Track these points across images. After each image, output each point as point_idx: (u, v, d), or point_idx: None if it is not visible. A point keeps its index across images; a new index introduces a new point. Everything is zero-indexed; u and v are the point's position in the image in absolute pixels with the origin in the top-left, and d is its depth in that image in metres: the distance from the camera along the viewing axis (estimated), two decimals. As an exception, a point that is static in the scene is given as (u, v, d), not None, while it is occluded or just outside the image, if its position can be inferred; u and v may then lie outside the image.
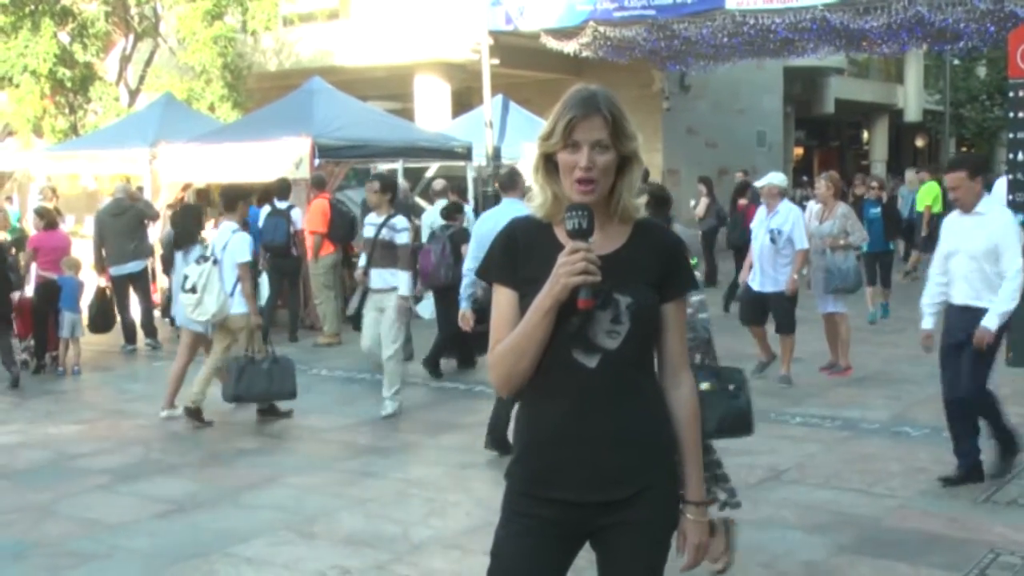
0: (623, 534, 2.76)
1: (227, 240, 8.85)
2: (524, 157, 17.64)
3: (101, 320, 13.01)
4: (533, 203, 2.85)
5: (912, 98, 39.79)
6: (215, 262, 8.72)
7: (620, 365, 2.72)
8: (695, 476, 2.83)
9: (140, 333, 13.17)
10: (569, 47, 20.58)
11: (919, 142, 43.61)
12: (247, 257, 8.84)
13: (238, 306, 8.82)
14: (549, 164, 2.80)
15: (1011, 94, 10.65)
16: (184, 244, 10.13)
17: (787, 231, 9.91)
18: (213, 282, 8.62)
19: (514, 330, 2.73)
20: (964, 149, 46.10)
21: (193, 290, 8.62)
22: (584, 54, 20.83)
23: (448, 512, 6.55)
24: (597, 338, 2.71)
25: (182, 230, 10.31)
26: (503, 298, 2.81)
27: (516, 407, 2.89)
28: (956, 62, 35.44)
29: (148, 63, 21.62)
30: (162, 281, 14.92)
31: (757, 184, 10.92)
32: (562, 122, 2.71)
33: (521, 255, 2.81)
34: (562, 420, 2.73)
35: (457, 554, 5.75)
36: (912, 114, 40.01)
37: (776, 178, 10.42)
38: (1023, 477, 6.91)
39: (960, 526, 6.01)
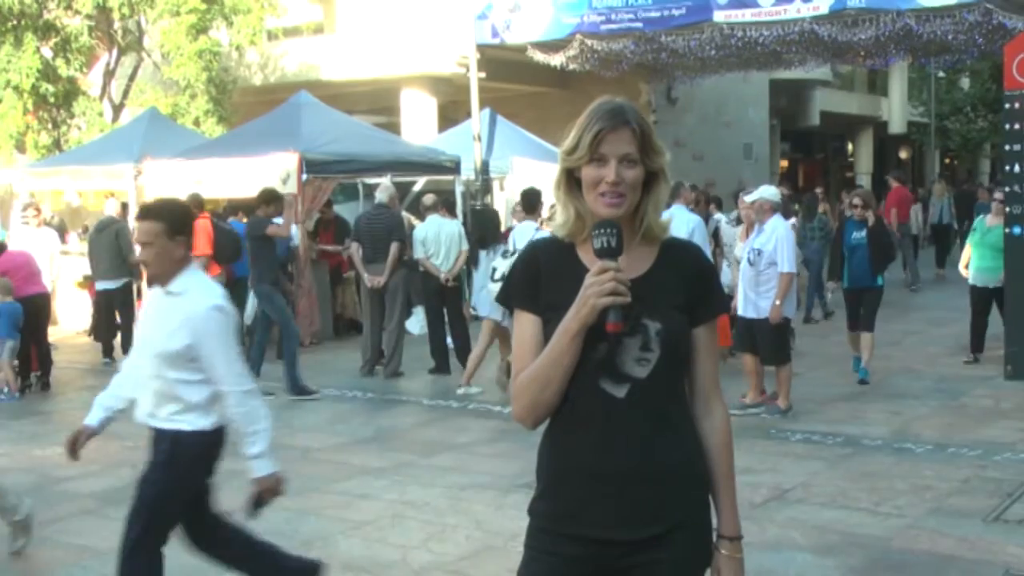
0: (656, 574, 2.61)
1: (531, 238, 9.76)
2: (513, 172, 17.58)
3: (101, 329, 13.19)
4: (554, 222, 2.71)
5: (896, 110, 39.91)
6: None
7: (650, 394, 2.58)
8: (730, 509, 2.69)
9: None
10: (556, 60, 20.52)
11: (903, 154, 43.70)
12: None
13: None
14: (571, 180, 2.65)
15: (1007, 106, 10.59)
16: (487, 243, 11.29)
17: (768, 251, 9.07)
18: None
19: (538, 357, 2.59)
20: (948, 161, 46.31)
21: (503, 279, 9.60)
22: (571, 67, 20.78)
23: (447, 536, 6.38)
24: (626, 366, 2.57)
25: (483, 232, 11.58)
26: (526, 324, 2.67)
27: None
28: (941, 75, 35.52)
29: (132, 78, 21.47)
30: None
31: (748, 198, 10.18)
32: (588, 135, 2.56)
33: (543, 278, 2.66)
34: (589, 453, 2.59)
35: (459, 580, 5.60)
36: (896, 126, 40.12)
37: (768, 192, 9.58)
38: (1031, 495, 6.80)
39: (971, 546, 5.88)
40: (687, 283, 2.66)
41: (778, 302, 8.99)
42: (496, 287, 9.82)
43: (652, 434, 2.58)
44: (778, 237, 9.12)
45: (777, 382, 9.33)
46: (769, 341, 9.19)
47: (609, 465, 2.57)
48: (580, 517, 2.59)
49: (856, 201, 10.88)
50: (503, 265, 9.87)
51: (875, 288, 10.63)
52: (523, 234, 10.08)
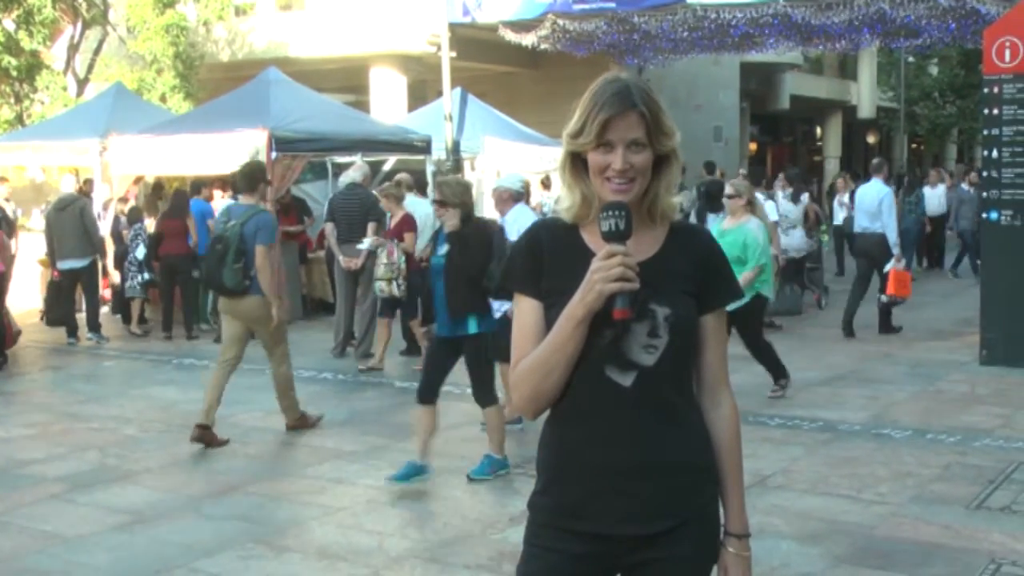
0: (661, 572, 2.49)
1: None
2: (484, 151, 17.43)
3: (55, 313, 12.86)
4: (561, 206, 2.57)
5: (865, 95, 39.97)
6: None
7: (658, 383, 2.45)
8: (738, 505, 2.57)
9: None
10: (527, 40, 20.34)
11: (871, 139, 43.84)
12: (775, 217, 12.06)
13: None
14: (577, 163, 2.52)
15: (985, 90, 10.53)
16: (717, 208, 12.11)
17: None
18: None
19: (540, 344, 2.46)
20: (915, 146, 46.56)
21: None
22: (542, 47, 20.61)
23: (424, 522, 6.26)
24: (632, 353, 2.44)
25: (712, 198, 12.50)
26: (526, 309, 2.54)
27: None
28: (910, 60, 35.61)
29: (97, 52, 21.08)
30: (113, 276, 14.47)
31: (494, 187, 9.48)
32: (595, 121, 2.42)
33: (546, 261, 2.53)
34: (594, 446, 2.46)
35: (437, 568, 5.47)
36: (865, 111, 40.17)
37: (507, 180, 8.57)
38: (1013, 481, 6.75)
39: (956, 534, 5.82)
40: (696, 268, 2.53)
41: None
42: None
43: (659, 425, 2.46)
44: (520, 229, 7.68)
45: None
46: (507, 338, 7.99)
47: (615, 458, 2.44)
48: (585, 512, 2.46)
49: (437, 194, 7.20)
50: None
51: (467, 337, 6.94)
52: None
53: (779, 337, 12.36)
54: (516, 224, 8.00)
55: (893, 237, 11.96)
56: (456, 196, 6.88)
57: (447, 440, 8.08)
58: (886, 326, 12.48)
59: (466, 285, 6.76)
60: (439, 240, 7.06)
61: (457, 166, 17.60)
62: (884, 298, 12.17)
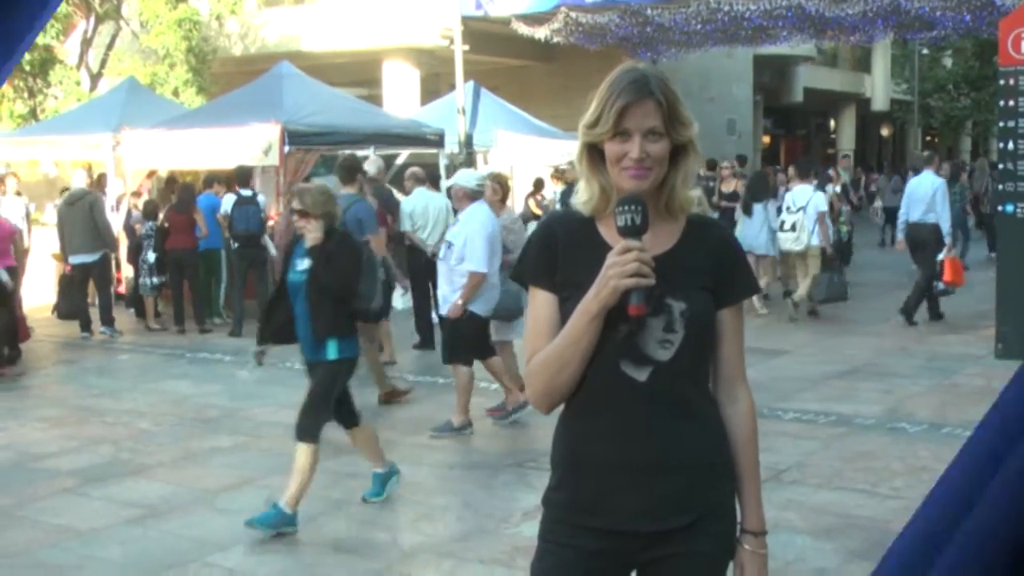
0: (677, 568, 2.47)
1: (810, 197, 12.95)
2: (497, 145, 17.40)
3: (66, 306, 12.89)
4: (578, 199, 2.54)
5: (879, 87, 39.85)
6: (802, 211, 12.82)
7: (673, 378, 2.42)
8: (754, 502, 2.54)
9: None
10: (540, 33, 20.33)
11: (885, 131, 43.71)
12: (824, 208, 13.00)
13: (813, 240, 12.77)
14: (594, 154, 2.49)
15: (1001, 82, 10.46)
16: (761, 198, 13.98)
17: (459, 246, 7.82)
18: (804, 224, 12.78)
19: (555, 338, 2.43)
20: (929, 139, 46.37)
21: (792, 228, 12.86)
22: (555, 40, 20.58)
23: (437, 516, 6.25)
24: (648, 348, 2.41)
25: (755, 189, 14.15)
26: (541, 303, 2.51)
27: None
28: (924, 52, 35.47)
29: (110, 46, 21.13)
30: (127, 270, 14.50)
31: (447, 184, 9.73)
32: (611, 109, 2.39)
33: (561, 254, 2.50)
34: (609, 441, 2.43)
35: (451, 563, 5.46)
36: (879, 103, 40.06)
37: (462, 177, 8.37)
38: (1029, 476, 6.69)
39: (972, 530, 5.77)
40: (712, 262, 2.50)
41: (460, 302, 7.78)
42: (787, 234, 12.91)
43: (675, 421, 2.44)
44: (470, 232, 7.79)
45: (456, 386, 8.20)
46: (454, 337, 8.06)
47: (630, 453, 2.42)
48: (599, 508, 2.44)
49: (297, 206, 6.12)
50: (789, 219, 12.93)
51: (323, 363, 6.06)
52: (803, 195, 13.02)
53: (793, 330, 12.36)
54: (468, 225, 7.86)
55: (947, 227, 12.35)
56: (319, 206, 5.92)
57: (458, 435, 8.07)
58: (908, 318, 12.55)
59: (330, 305, 5.93)
60: (297, 254, 6.07)
61: (470, 160, 17.58)
62: (941, 286, 12.51)
